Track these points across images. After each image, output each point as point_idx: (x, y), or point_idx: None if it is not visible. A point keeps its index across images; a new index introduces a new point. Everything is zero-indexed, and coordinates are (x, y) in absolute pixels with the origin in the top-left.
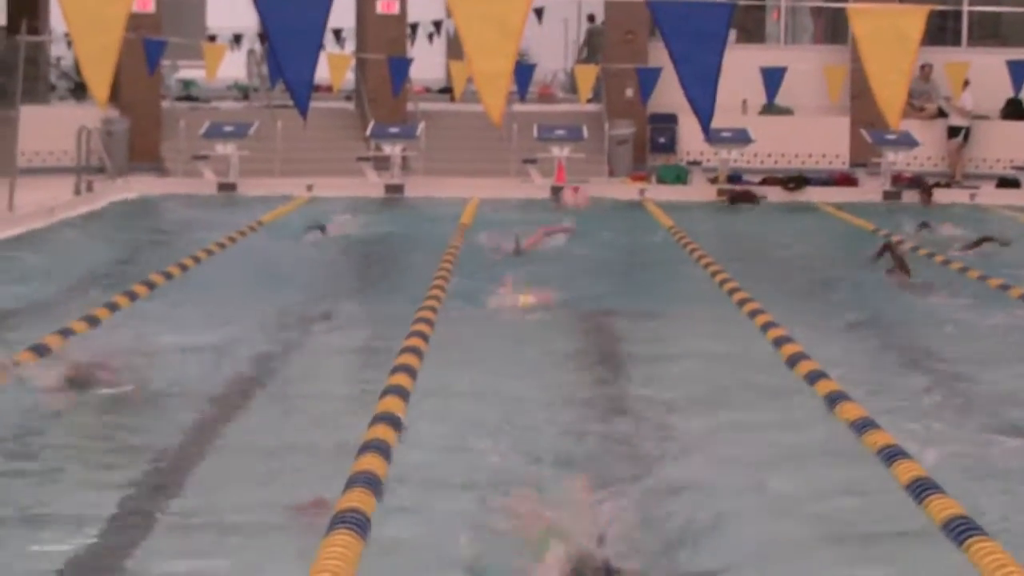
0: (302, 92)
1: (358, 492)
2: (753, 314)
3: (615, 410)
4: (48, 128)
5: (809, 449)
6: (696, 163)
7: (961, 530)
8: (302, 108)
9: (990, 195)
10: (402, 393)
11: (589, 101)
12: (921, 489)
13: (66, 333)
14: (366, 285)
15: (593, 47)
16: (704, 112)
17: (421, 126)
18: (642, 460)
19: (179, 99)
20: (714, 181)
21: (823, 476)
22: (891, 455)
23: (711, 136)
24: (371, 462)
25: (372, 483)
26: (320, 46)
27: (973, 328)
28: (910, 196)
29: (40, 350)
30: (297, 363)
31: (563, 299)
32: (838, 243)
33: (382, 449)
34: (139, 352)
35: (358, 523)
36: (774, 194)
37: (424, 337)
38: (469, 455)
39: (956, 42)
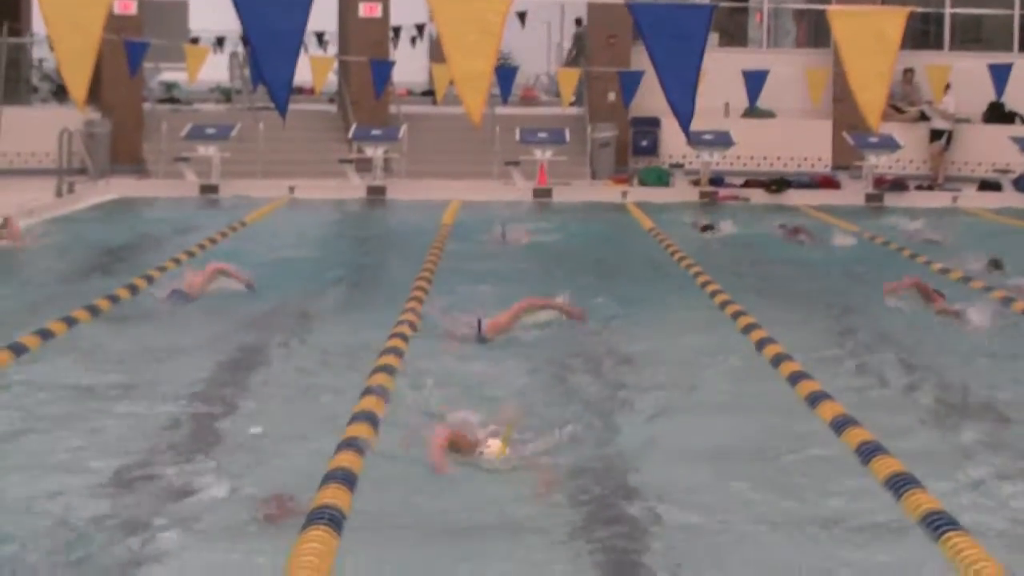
0: (281, 92)
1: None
2: (736, 316)
3: None
4: (30, 130)
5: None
6: (678, 166)
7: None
8: (281, 107)
9: (972, 198)
10: None
11: (572, 104)
12: (900, 484)
13: None
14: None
15: (580, 50)
16: (684, 114)
17: (403, 129)
18: None
19: (161, 101)
20: (696, 183)
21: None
22: (869, 451)
23: (693, 139)
24: None
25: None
26: (300, 47)
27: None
28: (891, 198)
29: None
30: None
31: (552, 449)
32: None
33: None
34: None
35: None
36: (756, 196)
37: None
38: None
39: (938, 46)
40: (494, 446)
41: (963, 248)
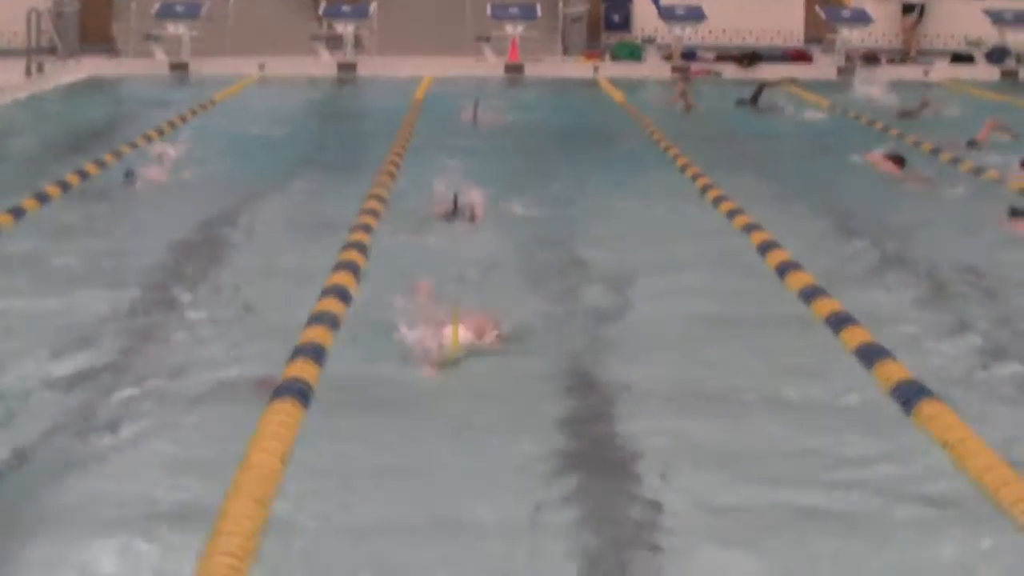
0: None
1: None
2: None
3: None
4: None
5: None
6: (651, 40)
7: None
8: None
9: (944, 71)
10: None
11: None
12: (870, 355)
13: None
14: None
15: None
16: None
17: (374, 5)
18: None
19: None
20: (668, 58)
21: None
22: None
23: (665, 13)
24: None
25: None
26: None
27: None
28: (863, 72)
29: None
30: None
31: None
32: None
33: None
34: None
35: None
36: (728, 71)
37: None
38: None
39: None
40: (453, 335)
41: (935, 121)
